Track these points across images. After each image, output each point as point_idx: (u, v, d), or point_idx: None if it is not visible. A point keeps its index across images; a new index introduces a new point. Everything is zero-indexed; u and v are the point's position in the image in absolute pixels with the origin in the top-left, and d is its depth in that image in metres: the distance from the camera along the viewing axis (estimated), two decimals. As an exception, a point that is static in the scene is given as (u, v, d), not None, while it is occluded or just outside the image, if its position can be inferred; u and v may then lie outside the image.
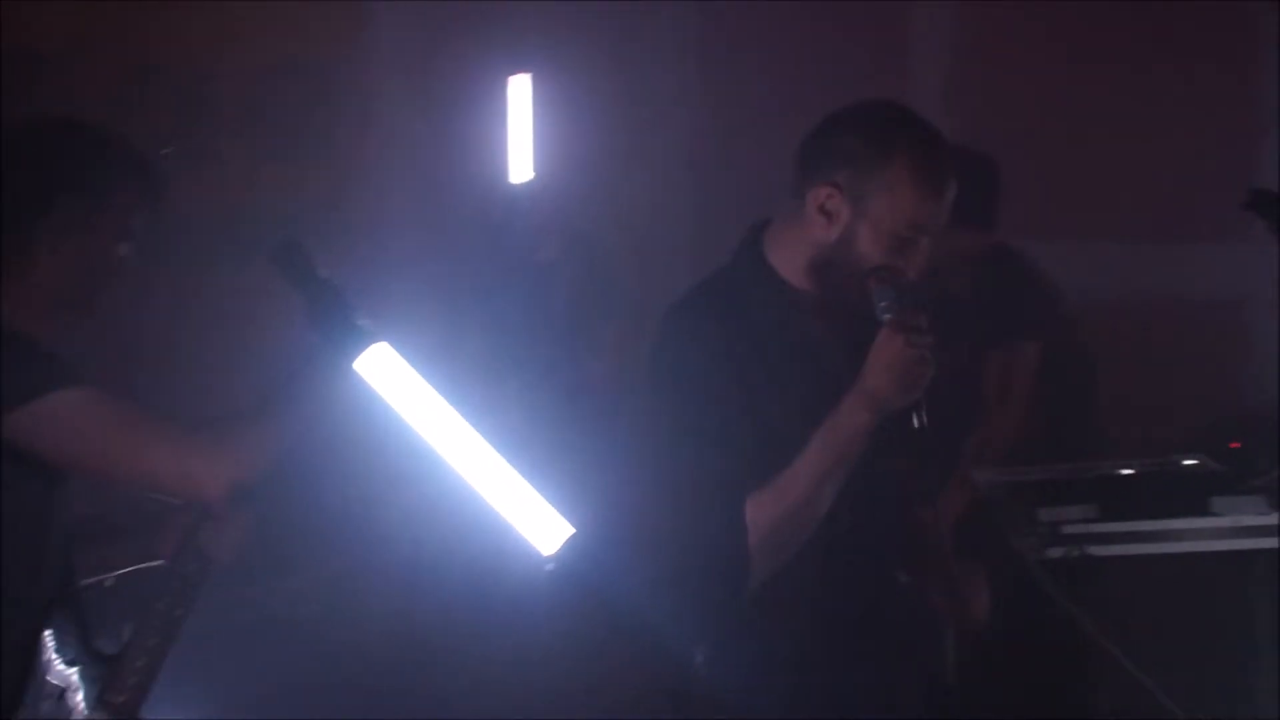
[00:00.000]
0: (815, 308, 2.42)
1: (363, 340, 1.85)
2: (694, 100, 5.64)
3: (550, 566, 1.76)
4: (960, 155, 4.12)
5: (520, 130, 4.79)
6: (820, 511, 2.28)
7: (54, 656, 2.09)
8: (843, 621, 2.37)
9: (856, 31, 5.47)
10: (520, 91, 4.82)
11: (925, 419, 2.30)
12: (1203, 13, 5.20)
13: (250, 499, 2.01)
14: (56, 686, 2.09)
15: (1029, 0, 5.38)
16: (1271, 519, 3.60)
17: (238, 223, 5.03)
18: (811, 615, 2.34)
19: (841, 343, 2.43)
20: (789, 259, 2.41)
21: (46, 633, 2.10)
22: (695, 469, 2.26)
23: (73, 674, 2.10)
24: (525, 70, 4.82)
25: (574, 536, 1.78)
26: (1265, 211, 2.52)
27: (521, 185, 4.76)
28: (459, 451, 1.84)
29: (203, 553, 2.05)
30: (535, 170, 4.76)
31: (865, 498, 2.37)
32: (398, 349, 1.91)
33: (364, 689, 3.93)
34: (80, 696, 2.08)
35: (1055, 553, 3.53)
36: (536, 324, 4.59)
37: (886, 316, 2.31)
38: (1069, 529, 3.55)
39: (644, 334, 4.77)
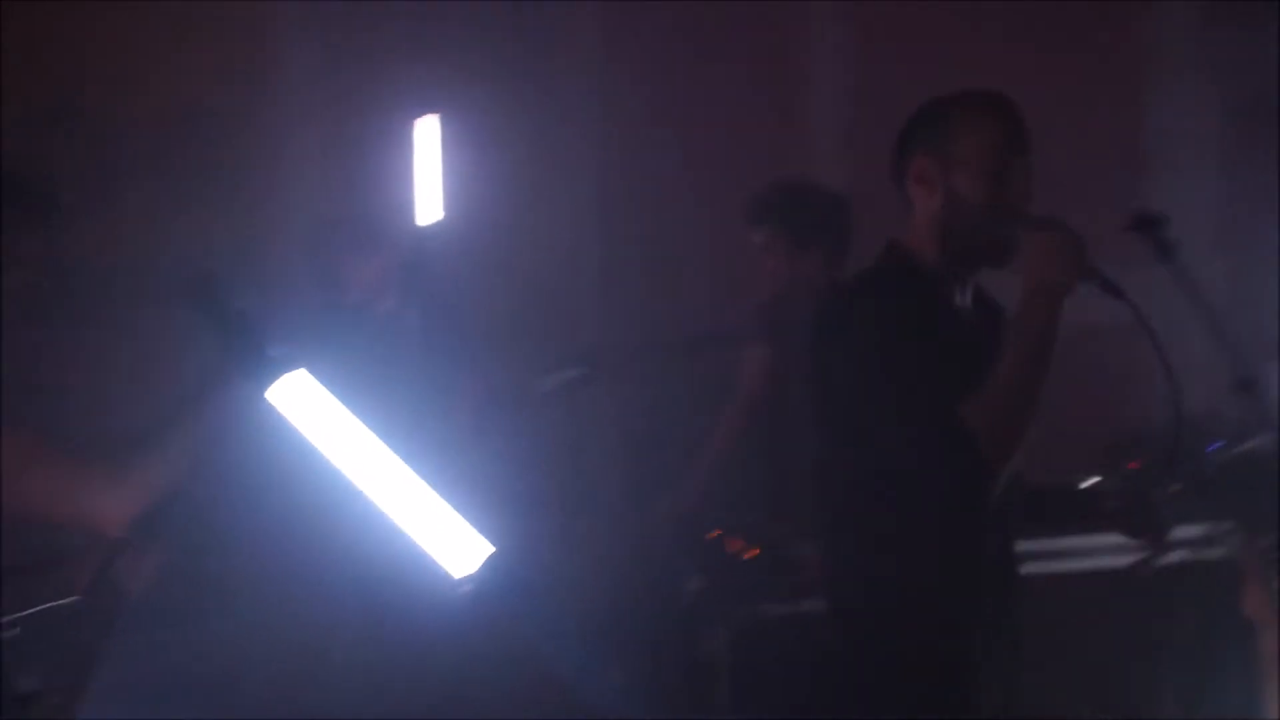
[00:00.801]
0: (956, 286, 2.63)
1: (278, 369, 1.87)
2: (599, 141, 5.69)
3: (466, 588, 1.79)
4: (818, 193, 4.26)
5: (427, 172, 4.81)
6: (1032, 403, 2.48)
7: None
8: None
9: (761, 85, 5.55)
10: (427, 133, 4.85)
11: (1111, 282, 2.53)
12: (1094, 33, 5.32)
13: (159, 530, 2.02)
14: (-29, 729, 2.07)
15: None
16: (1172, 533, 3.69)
17: (142, 268, 5.01)
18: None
19: (984, 327, 2.65)
20: (925, 247, 2.62)
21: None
22: (913, 396, 2.45)
23: (-13, 715, 2.08)
24: (432, 112, 4.85)
25: (491, 558, 1.80)
26: (1146, 233, 2.62)
27: (430, 227, 4.77)
28: (375, 476, 1.87)
29: (117, 586, 2.05)
30: (443, 212, 4.78)
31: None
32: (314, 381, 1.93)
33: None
34: (-4, 737, 2.06)
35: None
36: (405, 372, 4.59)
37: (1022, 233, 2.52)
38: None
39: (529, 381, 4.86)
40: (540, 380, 4.81)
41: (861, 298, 2.61)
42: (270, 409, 1.85)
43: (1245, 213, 4.95)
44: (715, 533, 4.09)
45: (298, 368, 1.91)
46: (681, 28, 5.55)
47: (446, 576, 1.77)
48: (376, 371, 4.51)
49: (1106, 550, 3.73)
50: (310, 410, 1.88)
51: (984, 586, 2.65)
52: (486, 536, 1.80)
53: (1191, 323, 4.92)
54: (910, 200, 2.66)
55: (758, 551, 3.96)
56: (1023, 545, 3.64)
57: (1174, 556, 3.66)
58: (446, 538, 1.83)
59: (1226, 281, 2.56)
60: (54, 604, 2.19)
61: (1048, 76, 5.26)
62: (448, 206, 4.81)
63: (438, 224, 4.79)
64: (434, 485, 1.85)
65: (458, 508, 1.85)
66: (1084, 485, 3.90)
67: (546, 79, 5.73)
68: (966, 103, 2.66)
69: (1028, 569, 3.64)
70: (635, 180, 5.59)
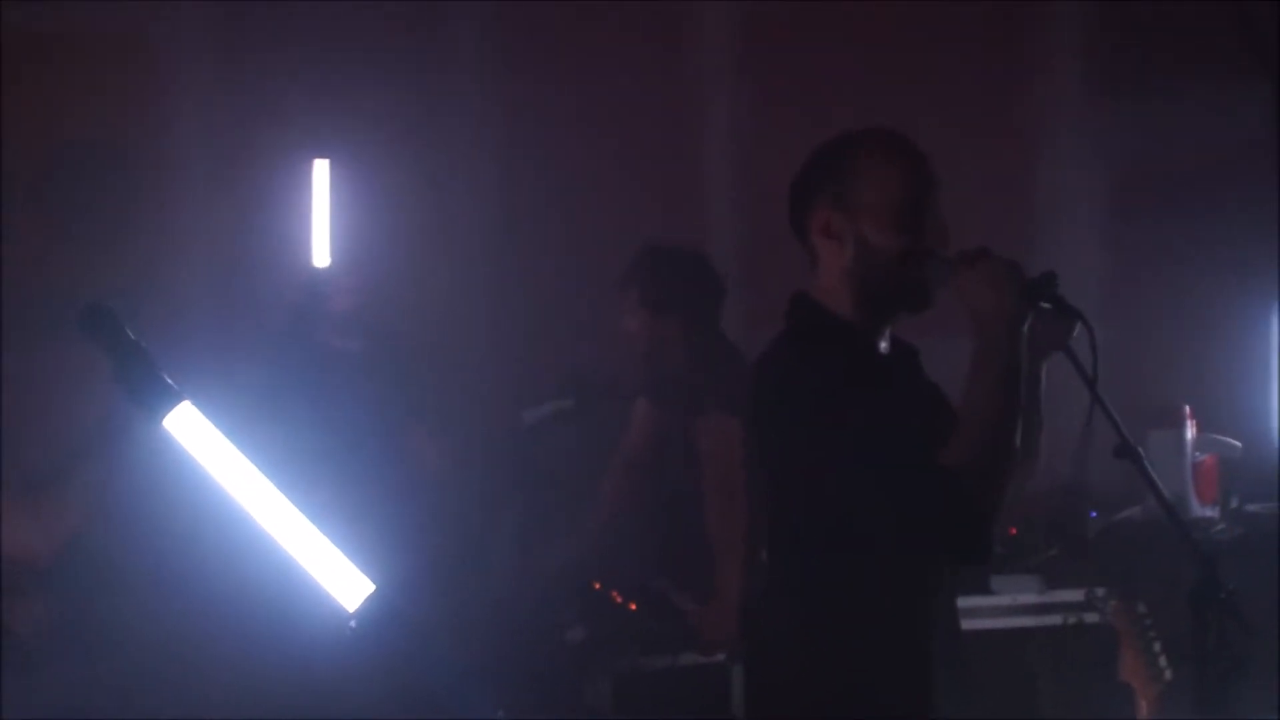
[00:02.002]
0: (876, 337, 2.51)
1: (171, 399, 1.85)
2: (493, 185, 5.69)
3: (353, 624, 1.77)
4: (676, 257, 4.28)
5: (322, 214, 4.78)
6: (1011, 435, 2.36)
7: None
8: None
9: (655, 142, 5.59)
10: (321, 175, 4.82)
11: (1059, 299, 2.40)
12: (981, 106, 5.42)
13: (51, 572, 1.97)
14: None
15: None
16: (1047, 597, 3.76)
17: (27, 303, 4.91)
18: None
19: (908, 370, 2.56)
20: (838, 300, 2.49)
21: None
22: (886, 454, 2.33)
23: None
24: (326, 154, 4.82)
25: (376, 594, 1.79)
26: (1036, 298, 2.63)
27: (323, 270, 4.73)
28: (263, 509, 1.85)
29: (3, 628, 1.99)
30: (334, 256, 4.74)
31: None
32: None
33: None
34: None
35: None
36: (346, 416, 4.54)
37: (948, 277, 2.41)
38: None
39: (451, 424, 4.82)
40: (527, 412, 4.79)
41: (796, 365, 2.46)
42: (166, 440, 1.82)
43: (1127, 283, 5.07)
44: (597, 585, 4.09)
45: (184, 400, 1.89)
46: (579, 78, 5.59)
47: (337, 612, 1.75)
48: (334, 407, 4.47)
49: (985, 612, 3.79)
50: (200, 443, 1.86)
51: (942, 655, 2.58)
52: (375, 575, 1.79)
53: (1074, 390, 5.05)
54: (815, 252, 2.52)
55: (638, 604, 3.96)
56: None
57: (1052, 620, 3.72)
58: (333, 573, 1.81)
59: (1107, 351, 2.61)
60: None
61: (934, 144, 5.37)
62: (336, 251, 4.77)
63: (329, 267, 4.75)
64: (323, 522, 1.84)
65: (348, 545, 1.84)
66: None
67: (440, 126, 5.73)
68: (865, 146, 2.52)
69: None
70: (526, 230, 5.60)
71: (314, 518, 1.83)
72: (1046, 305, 2.42)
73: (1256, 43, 4.81)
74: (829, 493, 2.40)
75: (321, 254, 4.74)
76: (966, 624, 3.75)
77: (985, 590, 3.79)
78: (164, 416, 1.84)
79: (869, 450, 2.34)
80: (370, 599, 1.78)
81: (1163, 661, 3.00)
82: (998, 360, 2.36)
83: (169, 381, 1.85)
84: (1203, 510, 4.23)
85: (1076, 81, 5.46)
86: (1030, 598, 3.79)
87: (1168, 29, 5.16)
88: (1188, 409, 4.32)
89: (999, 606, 3.77)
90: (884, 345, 2.55)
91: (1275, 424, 4.45)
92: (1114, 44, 5.35)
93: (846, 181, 2.48)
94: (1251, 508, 4.29)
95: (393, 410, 4.62)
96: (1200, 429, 4.33)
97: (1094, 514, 4.27)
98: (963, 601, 3.73)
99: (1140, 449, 2.46)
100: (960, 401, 2.39)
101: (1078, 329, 2.47)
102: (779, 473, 2.50)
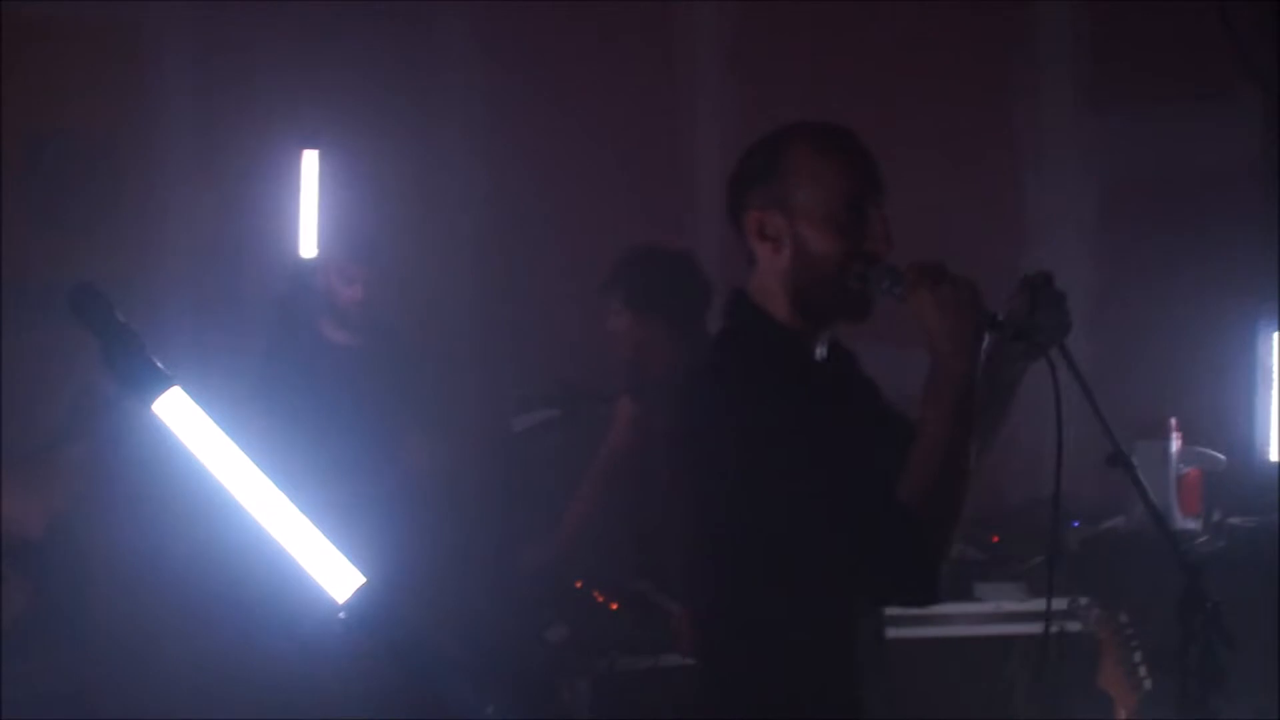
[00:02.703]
0: (814, 342, 2.40)
1: (161, 383, 1.83)
2: (480, 184, 5.69)
3: (342, 615, 1.75)
4: (660, 259, 4.28)
5: (310, 205, 4.77)
6: (966, 464, 2.24)
7: None
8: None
9: (643, 140, 5.59)
10: (310, 166, 4.81)
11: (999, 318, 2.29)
12: (971, 117, 5.44)
13: (31, 559, 1.95)
14: None
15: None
16: (1030, 605, 3.76)
17: (14, 289, 4.88)
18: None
19: (846, 378, 2.46)
20: (776, 304, 2.37)
21: None
22: (833, 487, 2.21)
23: None
24: (314, 144, 4.80)
25: (366, 586, 1.77)
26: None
27: (309, 261, 4.72)
28: (252, 497, 1.83)
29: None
30: (322, 247, 4.72)
31: None
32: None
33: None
34: None
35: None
36: (341, 411, 4.52)
37: (896, 289, 2.29)
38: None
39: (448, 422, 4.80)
40: (516, 419, 4.78)
41: (730, 369, 2.35)
42: (154, 425, 1.81)
43: (1115, 296, 5.08)
44: (578, 584, 4.08)
45: (174, 384, 1.87)
46: (568, 79, 5.58)
47: (326, 603, 1.74)
48: (326, 403, 4.45)
49: (968, 619, 3.79)
50: (190, 427, 1.84)
51: (865, 655, 2.48)
52: (365, 568, 1.77)
53: (1065, 401, 5.05)
54: (753, 253, 2.38)
55: (619, 604, 3.95)
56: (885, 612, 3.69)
57: (1034, 628, 3.72)
58: (323, 564, 1.80)
59: (1095, 362, 2.61)
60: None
61: (926, 160, 5.38)
62: (323, 242, 4.75)
63: (315, 259, 4.73)
64: (317, 513, 1.82)
65: (339, 537, 1.82)
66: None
67: (428, 125, 5.72)
68: (801, 140, 2.36)
69: (889, 635, 3.69)
70: (513, 230, 5.59)
71: (305, 509, 1.81)
72: (1008, 332, 2.33)
73: (1246, 56, 4.82)
74: (769, 515, 2.26)
75: (309, 245, 4.73)
76: (950, 630, 3.80)
77: (970, 597, 3.79)
78: (154, 401, 1.82)
79: (818, 482, 2.23)
80: (360, 591, 1.76)
81: (1142, 671, 3.01)
82: (952, 385, 2.25)
83: (159, 365, 1.83)
84: (1185, 523, 4.24)
85: (1066, 94, 5.47)
86: (1013, 605, 3.79)
87: (1157, 42, 5.17)
88: (1173, 421, 4.32)
89: (983, 614, 3.78)
90: (822, 351, 2.43)
91: (1259, 438, 4.46)
92: (1104, 57, 5.36)
93: (782, 179, 2.33)
94: (1234, 521, 4.30)
95: (387, 406, 4.60)
96: (1185, 441, 4.34)
97: (1076, 523, 4.27)
98: (947, 608, 3.77)
99: (1131, 457, 2.45)
100: (918, 426, 2.28)
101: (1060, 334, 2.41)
102: (712, 487, 2.33)
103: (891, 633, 3.67)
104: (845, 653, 2.40)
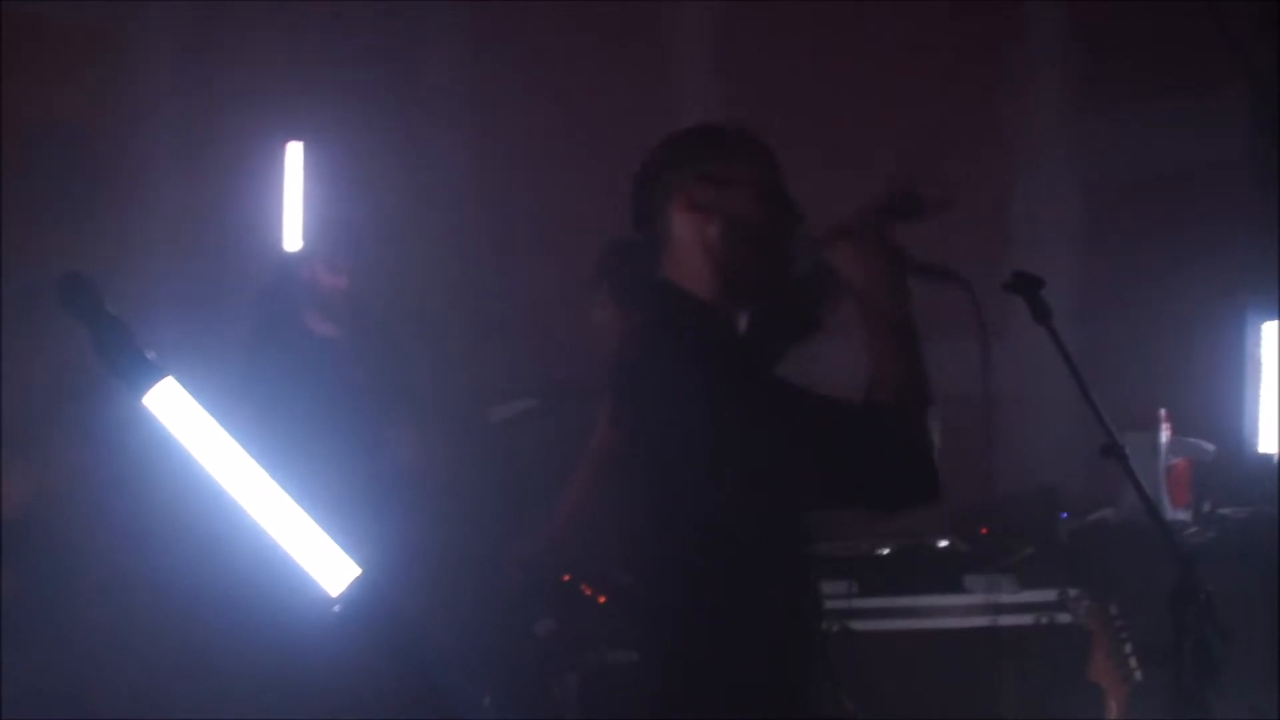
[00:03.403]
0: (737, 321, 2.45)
1: (151, 375, 1.81)
2: (467, 168, 5.67)
3: (337, 608, 1.73)
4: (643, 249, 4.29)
5: (294, 198, 4.74)
6: (923, 382, 2.38)
7: None
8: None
9: (629, 134, 5.57)
10: (294, 158, 4.78)
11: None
12: (958, 113, 5.44)
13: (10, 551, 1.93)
14: None
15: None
16: (1020, 597, 3.77)
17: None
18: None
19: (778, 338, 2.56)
20: (702, 284, 2.42)
21: None
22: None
23: None
24: (299, 136, 4.78)
25: (360, 578, 1.76)
26: (1024, 292, 2.65)
27: (295, 253, 4.70)
28: (245, 489, 1.81)
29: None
30: (308, 238, 4.70)
31: None
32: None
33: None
34: None
35: (816, 626, 3.61)
36: (328, 403, 4.51)
37: (816, 251, 2.41)
38: (830, 604, 3.65)
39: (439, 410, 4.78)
40: (494, 410, 4.75)
41: (666, 355, 2.39)
42: (145, 416, 1.79)
43: (1104, 289, 5.09)
44: (566, 577, 4.07)
45: (167, 375, 1.85)
46: (555, 74, 5.57)
47: (319, 594, 1.72)
48: (313, 395, 4.43)
49: (957, 610, 3.79)
50: (182, 419, 1.82)
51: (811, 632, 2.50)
52: (358, 560, 1.76)
53: (1049, 394, 5.07)
54: (672, 233, 2.43)
55: (607, 598, 3.94)
56: (872, 604, 3.70)
57: (1024, 620, 3.73)
58: (317, 557, 1.78)
59: (1085, 355, 2.63)
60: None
61: (913, 152, 5.37)
62: (308, 235, 4.73)
63: (300, 250, 4.71)
64: (309, 506, 1.81)
65: (332, 529, 1.81)
66: (937, 546, 3.98)
67: (413, 112, 5.70)
68: (728, 131, 2.50)
69: (878, 627, 3.70)
70: (498, 224, 5.57)
71: (297, 501, 1.80)
72: (932, 271, 2.45)
73: (1235, 54, 4.83)
74: (728, 481, 2.31)
75: (293, 238, 4.71)
76: (939, 622, 3.79)
77: (959, 589, 3.79)
78: (145, 392, 1.81)
79: (787, 419, 2.31)
80: (355, 584, 1.75)
81: (1133, 663, 3.00)
82: (882, 326, 2.36)
83: (150, 357, 1.81)
84: (1175, 513, 4.24)
85: (1055, 90, 5.48)
86: (1003, 597, 3.79)
87: (1145, 40, 5.18)
88: (1163, 412, 4.33)
89: (972, 605, 3.78)
90: (744, 323, 2.48)
91: (1248, 429, 4.47)
92: (1092, 54, 5.37)
93: (714, 159, 2.43)
94: (1223, 511, 4.31)
95: (374, 398, 4.58)
96: (1175, 433, 4.35)
97: (1065, 515, 4.27)
98: (936, 600, 3.77)
99: (1125, 448, 2.45)
100: (869, 369, 2.38)
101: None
102: (663, 468, 2.37)
103: (881, 625, 3.70)
104: (789, 638, 2.42)
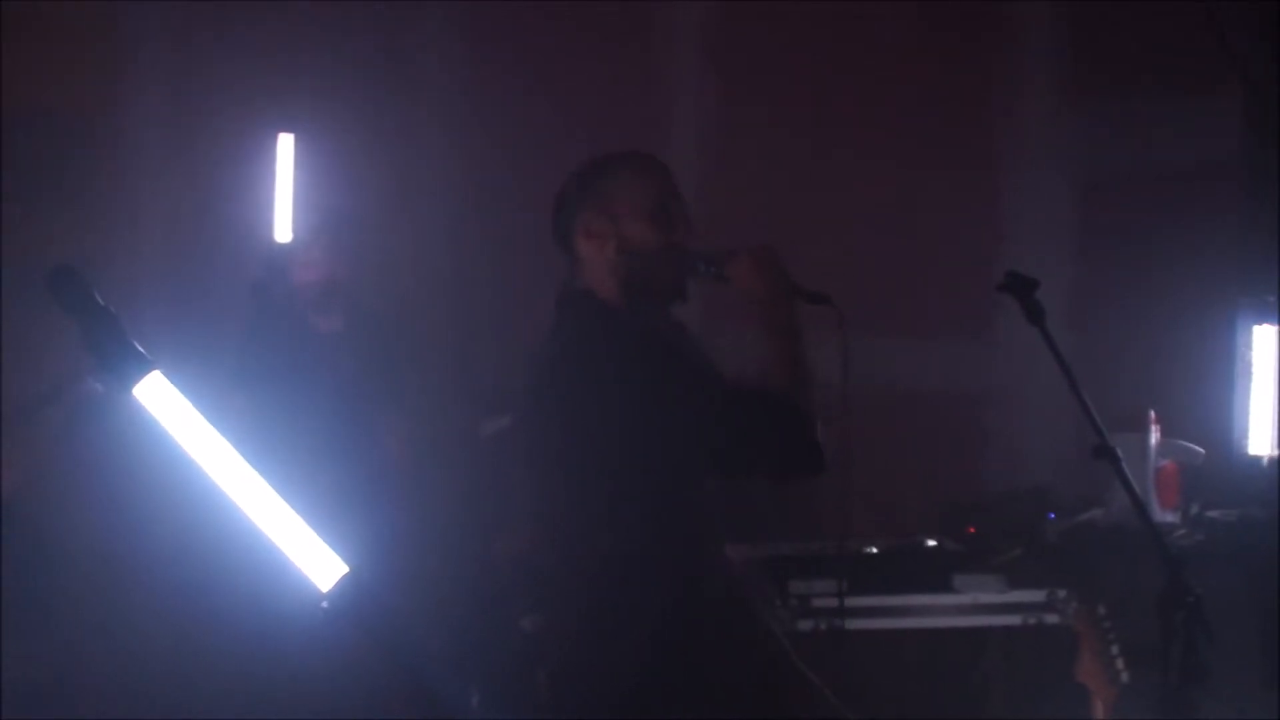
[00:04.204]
0: (645, 318, 2.82)
1: (141, 367, 1.80)
2: (456, 160, 5.65)
3: (325, 604, 1.73)
4: None
5: (285, 188, 4.72)
6: (808, 380, 2.75)
7: None
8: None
9: (619, 119, 5.56)
10: (285, 150, 4.76)
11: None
12: (950, 113, 5.44)
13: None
14: None
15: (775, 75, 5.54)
16: (1008, 597, 3.76)
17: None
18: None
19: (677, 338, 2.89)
20: (608, 293, 2.82)
21: None
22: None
23: None
24: (290, 127, 4.76)
25: (349, 575, 1.75)
26: (1018, 293, 2.66)
27: (286, 245, 4.67)
28: (234, 483, 1.80)
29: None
30: (299, 230, 4.68)
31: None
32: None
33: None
34: None
35: (805, 625, 3.62)
36: (321, 397, 4.49)
37: (712, 269, 2.81)
38: (819, 602, 3.65)
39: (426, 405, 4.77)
40: (484, 423, 4.76)
41: (581, 349, 2.76)
42: (134, 408, 1.78)
43: (1094, 290, 5.09)
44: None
45: (155, 368, 1.84)
46: (547, 68, 5.55)
47: (308, 590, 1.72)
48: (307, 389, 4.41)
49: (946, 610, 3.78)
50: (170, 413, 1.81)
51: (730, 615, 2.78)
52: (345, 555, 1.75)
53: (1038, 394, 5.06)
54: (579, 255, 2.84)
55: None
56: (861, 603, 3.70)
57: (1012, 620, 3.72)
58: (305, 553, 1.77)
59: (1074, 355, 2.63)
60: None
61: (905, 151, 5.38)
62: (300, 226, 4.71)
63: (292, 243, 4.69)
64: (295, 502, 1.80)
65: (318, 526, 1.80)
66: (926, 546, 3.97)
67: (403, 100, 5.68)
68: (620, 162, 2.90)
69: (866, 625, 3.69)
70: (490, 218, 5.56)
71: (287, 495, 1.79)
72: (804, 296, 2.80)
73: (1229, 55, 4.83)
74: (648, 448, 2.67)
75: (284, 229, 4.68)
76: (928, 621, 3.79)
77: (947, 588, 3.79)
78: (133, 384, 1.80)
79: (690, 399, 2.68)
80: (343, 580, 1.74)
81: (1120, 664, 3.00)
82: (776, 328, 2.77)
83: (139, 349, 1.80)
84: (1163, 515, 4.24)
85: (1046, 89, 5.48)
86: (991, 597, 3.79)
87: (1137, 39, 5.18)
88: (1153, 414, 4.33)
89: (961, 605, 3.77)
90: (648, 323, 2.86)
91: (1237, 431, 4.47)
92: (1084, 53, 5.37)
93: (603, 192, 2.84)
94: (1212, 514, 4.31)
95: (365, 390, 4.56)
96: (1164, 434, 4.35)
97: (1053, 516, 4.27)
98: (925, 599, 3.77)
99: (1116, 449, 2.45)
100: (762, 371, 2.75)
101: None
102: (578, 450, 2.72)
103: (869, 624, 3.69)
104: (693, 602, 2.70)
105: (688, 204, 2.90)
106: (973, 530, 4.16)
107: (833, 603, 3.58)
